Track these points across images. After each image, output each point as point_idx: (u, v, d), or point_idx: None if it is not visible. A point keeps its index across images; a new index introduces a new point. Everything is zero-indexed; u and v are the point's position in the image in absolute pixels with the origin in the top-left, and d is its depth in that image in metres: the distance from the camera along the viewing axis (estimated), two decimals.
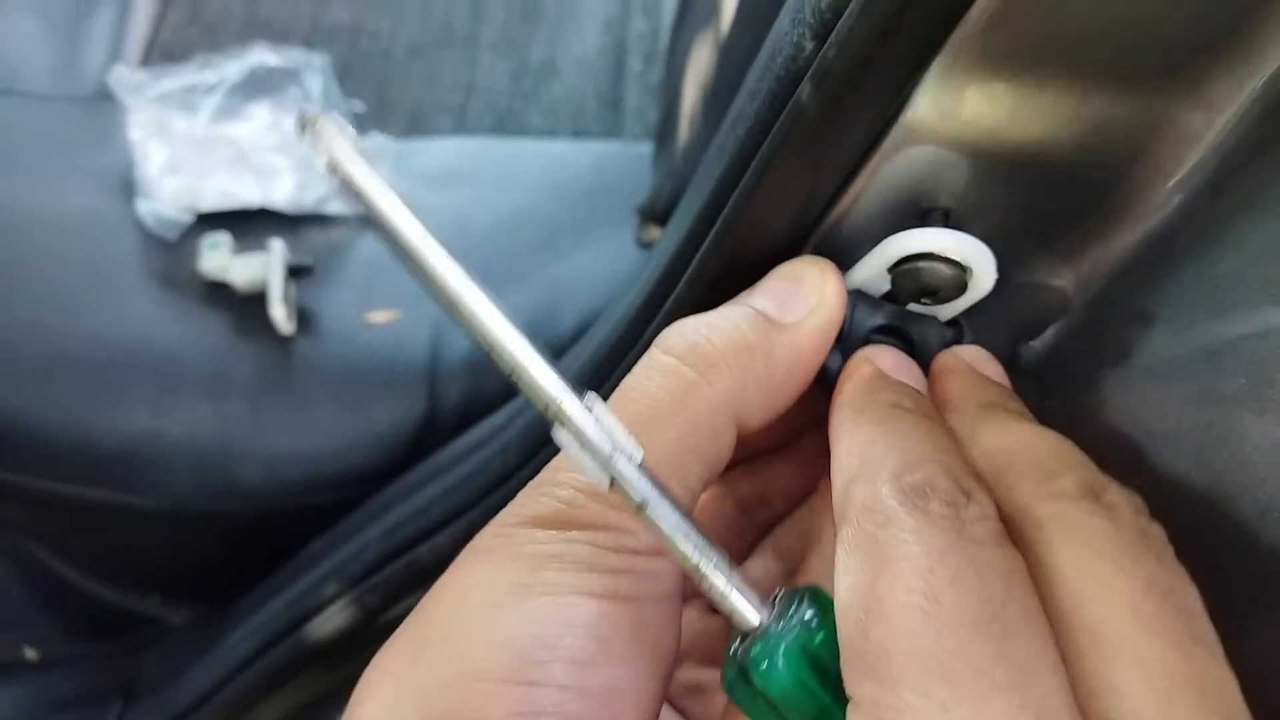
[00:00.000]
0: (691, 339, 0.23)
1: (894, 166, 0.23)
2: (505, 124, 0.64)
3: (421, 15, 0.69)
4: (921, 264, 0.24)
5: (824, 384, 0.25)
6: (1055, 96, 0.22)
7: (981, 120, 0.22)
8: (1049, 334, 0.26)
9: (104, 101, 0.59)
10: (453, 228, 0.58)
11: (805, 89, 0.21)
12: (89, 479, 0.51)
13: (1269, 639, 0.21)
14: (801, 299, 0.23)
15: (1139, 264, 0.24)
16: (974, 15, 0.20)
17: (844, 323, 0.24)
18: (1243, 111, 0.22)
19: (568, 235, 0.57)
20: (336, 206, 0.56)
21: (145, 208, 0.53)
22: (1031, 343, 0.26)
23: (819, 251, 0.25)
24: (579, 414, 0.19)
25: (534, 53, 0.68)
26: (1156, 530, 0.19)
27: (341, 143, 0.18)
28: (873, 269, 0.24)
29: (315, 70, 0.58)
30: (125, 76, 0.56)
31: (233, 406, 0.51)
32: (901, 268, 0.24)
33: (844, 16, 0.20)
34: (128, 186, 0.55)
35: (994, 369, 0.25)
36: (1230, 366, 0.22)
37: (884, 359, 0.24)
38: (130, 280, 0.53)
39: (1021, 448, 0.21)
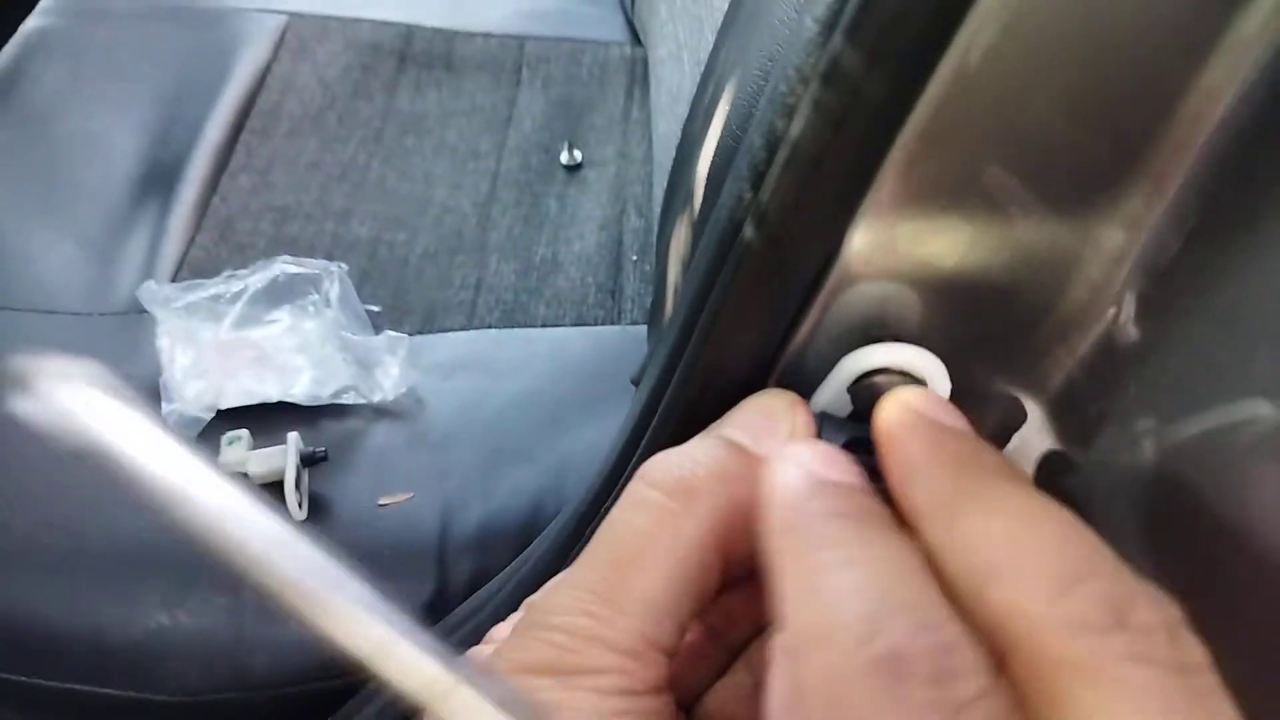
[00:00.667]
0: (674, 472, 0.23)
1: (844, 300, 0.25)
2: (513, 316, 0.67)
3: (435, 227, 0.74)
4: (877, 378, 0.25)
5: None
6: (981, 227, 0.24)
7: (915, 253, 0.24)
8: (1015, 441, 0.27)
9: (136, 316, 0.63)
10: (463, 412, 0.61)
11: (747, 230, 0.23)
12: (98, 678, 0.51)
13: None
14: (773, 430, 0.24)
15: (1094, 372, 0.25)
16: (890, 161, 0.22)
17: None
18: (1160, 226, 0.24)
19: (573, 413, 0.59)
20: (351, 397, 0.59)
21: (168, 409, 0.56)
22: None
23: (782, 382, 0.27)
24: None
25: (538, 252, 0.72)
26: (1197, 656, 0.16)
27: (71, 393, 0.14)
28: (834, 390, 0.26)
29: (333, 276, 0.63)
30: (154, 291, 0.60)
31: (245, 596, 0.52)
32: (859, 384, 0.26)
33: (772, 166, 0.23)
34: (155, 392, 0.58)
35: (952, 414, 0.23)
36: (1197, 461, 0.23)
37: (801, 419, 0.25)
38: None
39: (1019, 542, 0.18)
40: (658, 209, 0.79)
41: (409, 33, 0.87)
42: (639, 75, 0.87)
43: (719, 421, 0.25)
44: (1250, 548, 0.21)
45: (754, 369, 0.27)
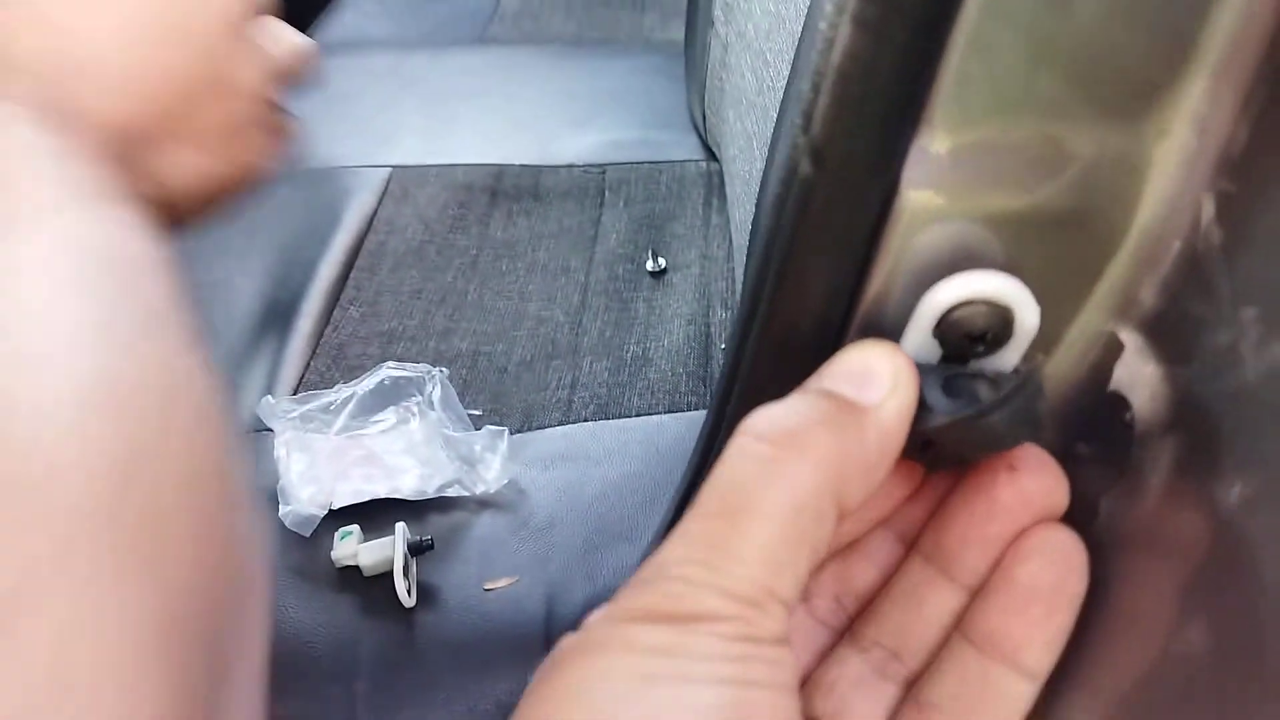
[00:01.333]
0: (781, 423, 0.23)
1: (916, 236, 0.25)
2: (607, 409, 0.68)
3: (530, 337, 0.77)
4: (960, 312, 0.25)
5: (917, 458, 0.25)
6: (1042, 144, 0.24)
7: (980, 180, 0.25)
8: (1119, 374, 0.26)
9: (258, 434, 0.66)
10: (563, 499, 0.61)
11: (804, 166, 0.24)
12: None
13: None
14: (877, 380, 0.24)
15: (1183, 285, 0.24)
16: (940, 79, 0.23)
17: None
18: (1226, 119, 0.23)
19: (671, 492, 0.59)
20: (456, 490, 0.60)
21: (284, 510, 0.58)
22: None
23: (867, 330, 0.27)
24: None
25: (629, 350, 0.74)
26: None
27: None
28: (919, 334, 0.26)
29: (434, 379, 0.65)
30: (271, 405, 0.64)
31: (359, 684, 0.52)
32: (945, 322, 0.25)
33: (819, 99, 0.24)
34: (274, 497, 0.61)
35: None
36: None
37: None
38: (272, 575, 0.57)
39: None
40: None
41: (500, 171, 0.93)
42: (716, 185, 0.91)
43: (815, 376, 0.25)
44: None
45: (833, 314, 0.27)
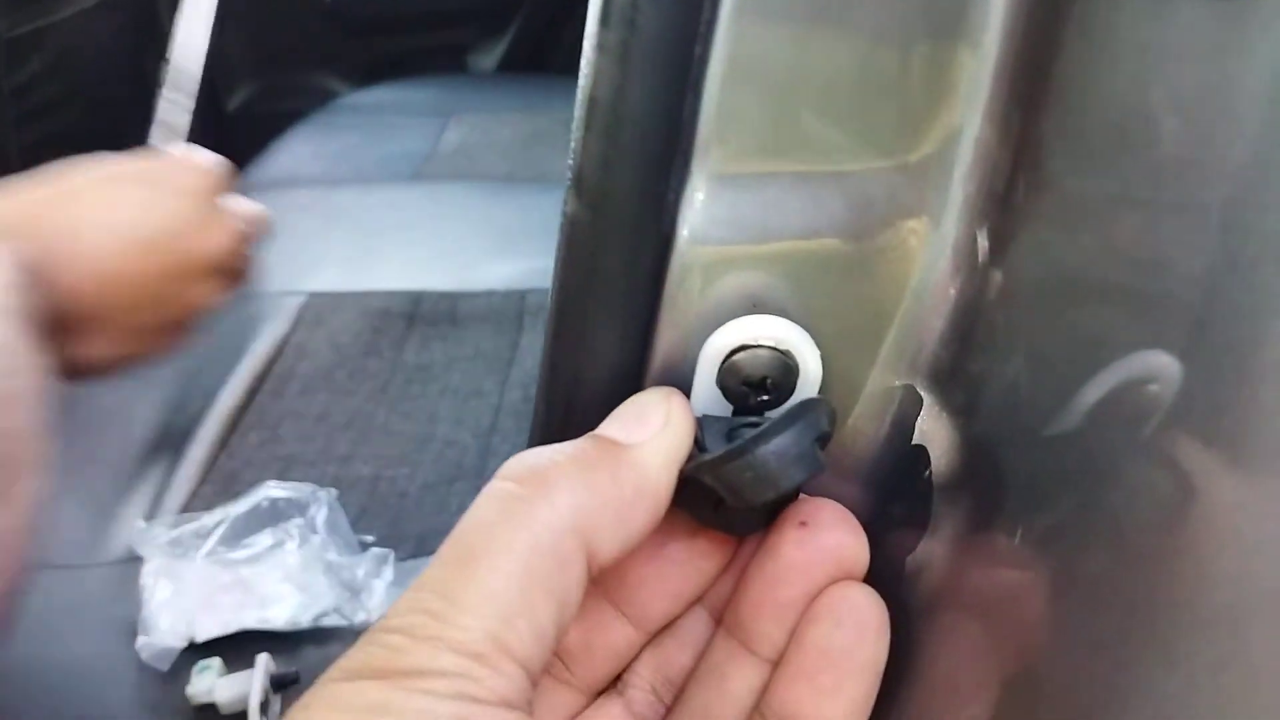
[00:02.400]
0: (529, 463, 0.21)
1: (697, 282, 0.24)
2: None
3: (435, 461, 0.74)
4: (738, 357, 0.23)
5: (709, 523, 0.23)
6: (812, 185, 0.23)
7: (756, 223, 0.23)
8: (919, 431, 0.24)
9: (132, 563, 0.62)
10: None
11: (569, 203, 0.23)
12: None
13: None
14: (646, 421, 0.22)
15: (961, 334, 0.23)
16: (703, 113, 0.22)
17: (697, 446, 0.23)
18: (990, 144, 0.22)
19: None
20: (334, 619, 0.56)
21: (142, 641, 0.54)
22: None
23: (661, 384, 0.25)
24: None
25: None
26: None
27: None
28: (705, 384, 0.24)
29: (321, 502, 0.62)
30: (143, 531, 0.60)
31: None
32: (725, 370, 0.24)
33: (581, 132, 0.23)
34: (134, 630, 0.57)
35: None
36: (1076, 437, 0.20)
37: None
38: (124, 712, 0.52)
39: None
40: None
41: (418, 297, 0.92)
42: None
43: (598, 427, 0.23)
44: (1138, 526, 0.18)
45: (621, 366, 0.25)
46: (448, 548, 0.20)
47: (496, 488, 0.21)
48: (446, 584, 0.19)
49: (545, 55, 1.60)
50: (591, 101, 0.22)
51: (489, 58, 1.60)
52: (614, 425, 0.22)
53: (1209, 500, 0.16)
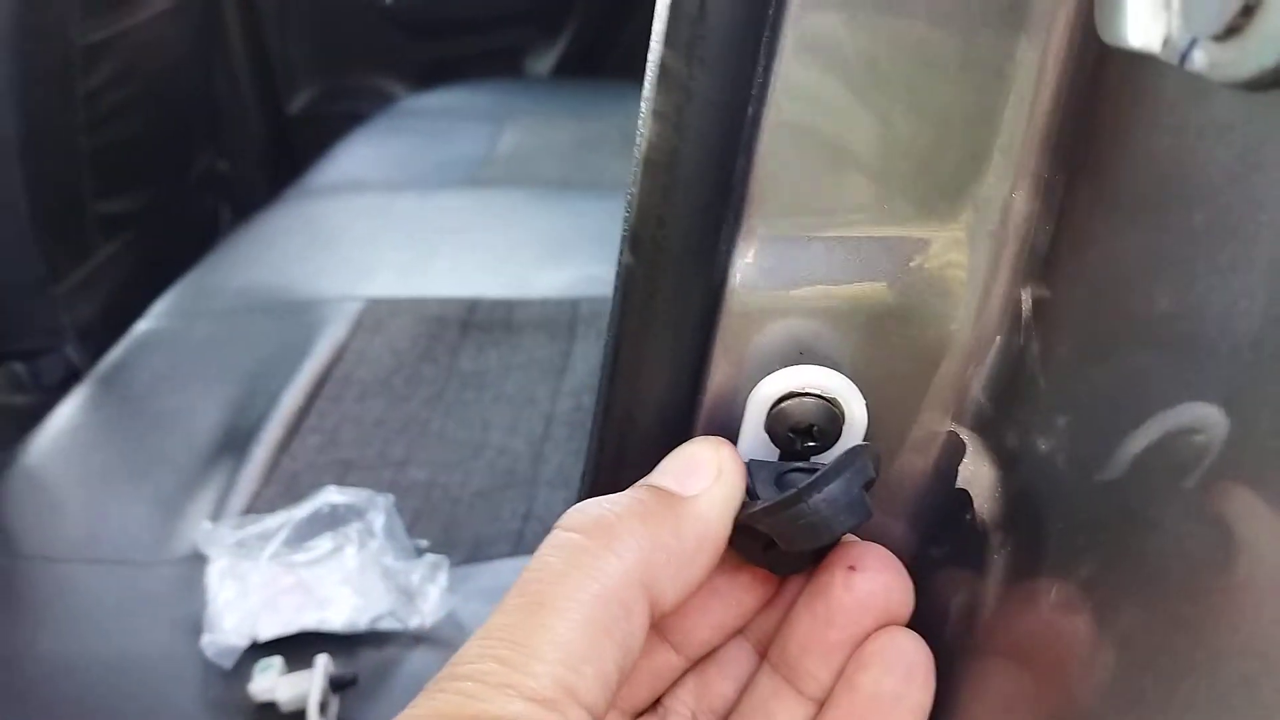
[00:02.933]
0: (592, 512, 0.22)
1: (749, 333, 0.25)
2: None
3: (488, 468, 0.76)
4: (785, 405, 0.24)
5: (754, 561, 0.24)
6: (856, 244, 0.24)
7: (806, 277, 0.24)
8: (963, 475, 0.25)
9: (198, 560, 0.65)
10: None
11: (624, 255, 0.24)
12: None
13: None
14: (700, 472, 0.23)
15: (1004, 388, 0.24)
16: (754, 172, 0.23)
17: (747, 493, 0.24)
18: (1031, 211, 0.23)
19: None
20: (389, 623, 0.58)
21: (207, 639, 0.56)
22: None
23: (709, 429, 0.26)
24: None
25: None
26: None
27: None
28: (753, 430, 0.25)
29: (379, 508, 0.64)
30: (209, 532, 0.63)
31: None
32: (773, 417, 0.25)
33: (635, 189, 0.24)
34: (199, 627, 0.59)
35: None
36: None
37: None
38: (184, 709, 0.55)
39: None
40: None
41: (473, 304, 0.94)
42: None
43: (647, 476, 0.24)
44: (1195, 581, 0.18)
45: (675, 409, 0.26)
46: (514, 596, 0.21)
47: (562, 538, 0.21)
48: (515, 631, 0.20)
49: (600, 59, 1.61)
50: (647, 163, 0.23)
51: (544, 61, 1.62)
52: (668, 477, 0.23)
53: (1253, 554, 0.16)
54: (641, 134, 0.23)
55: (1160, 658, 0.18)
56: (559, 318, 0.93)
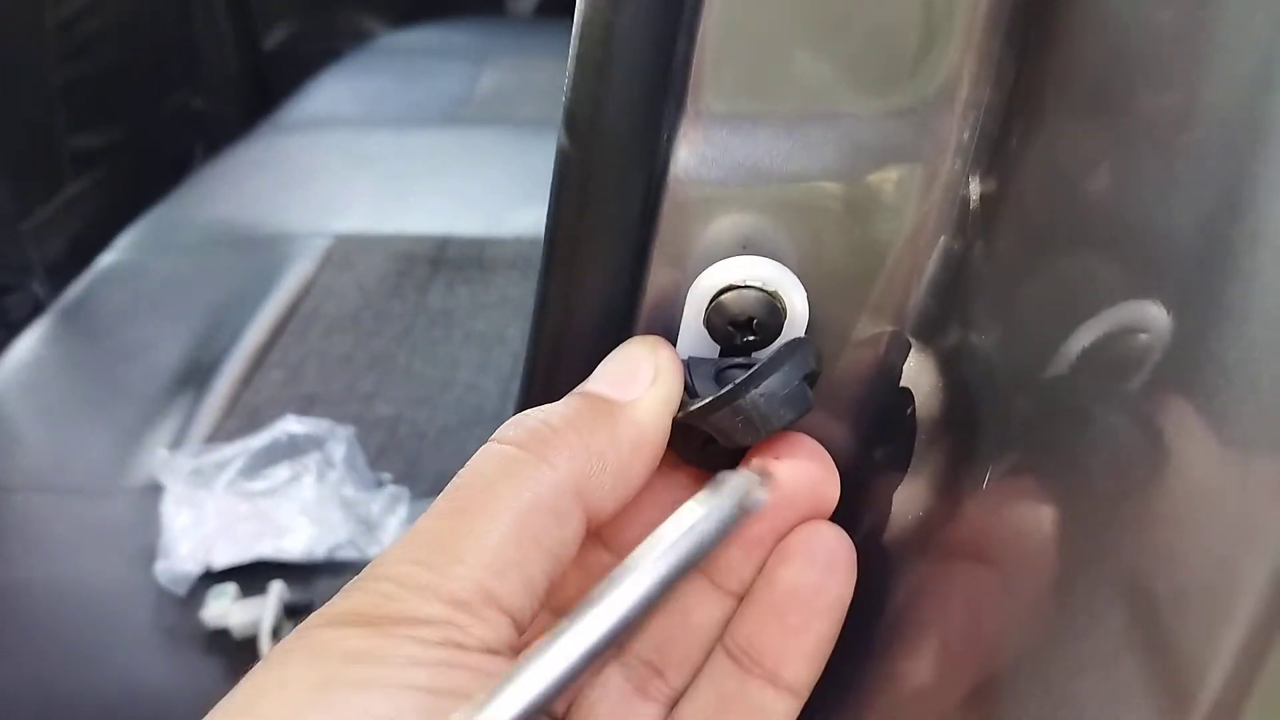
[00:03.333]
0: (528, 425, 0.22)
1: (691, 224, 0.24)
2: None
3: (456, 405, 0.75)
4: (724, 298, 0.23)
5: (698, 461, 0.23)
6: (805, 128, 0.23)
7: (746, 164, 0.23)
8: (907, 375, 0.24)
9: (155, 490, 0.64)
10: None
11: (561, 138, 0.23)
12: None
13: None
14: (636, 376, 0.23)
15: (944, 286, 0.23)
16: (698, 51, 0.22)
17: (686, 390, 0.23)
18: (986, 97, 0.22)
19: None
20: (348, 552, 0.57)
21: (161, 565, 0.55)
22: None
23: (650, 329, 0.25)
24: None
25: None
26: None
27: None
28: (693, 326, 0.24)
29: (339, 439, 0.63)
30: (166, 460, 0.62)
31: None
32: (712, 311, 0.24)
33: (574, 69, 0.22)
34: (153, 554, 0.58)
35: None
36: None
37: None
38: (137, 635, 0.54)
39: None
40: None
41: (444, 242, 0.92)
42: None
43: (585, 381, 0.24)
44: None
45: (611, 303, 0.25)
46: (443, 501, 0.20)
47: (495, 450, 0.21)
48: (439, 536, 0.20)
49: None
50: (583, 38, 0.22)
51: (527, 0, 1.59)
52: (604, 382, 0.23)
53: (1181, 462, 0.16)
54: (579, 8, 0.22)
55: (1085, 559, 0.17)
56: (534, 257, 0.91)
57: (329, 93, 1.24)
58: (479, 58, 1.30)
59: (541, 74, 1.27)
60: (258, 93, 1.47)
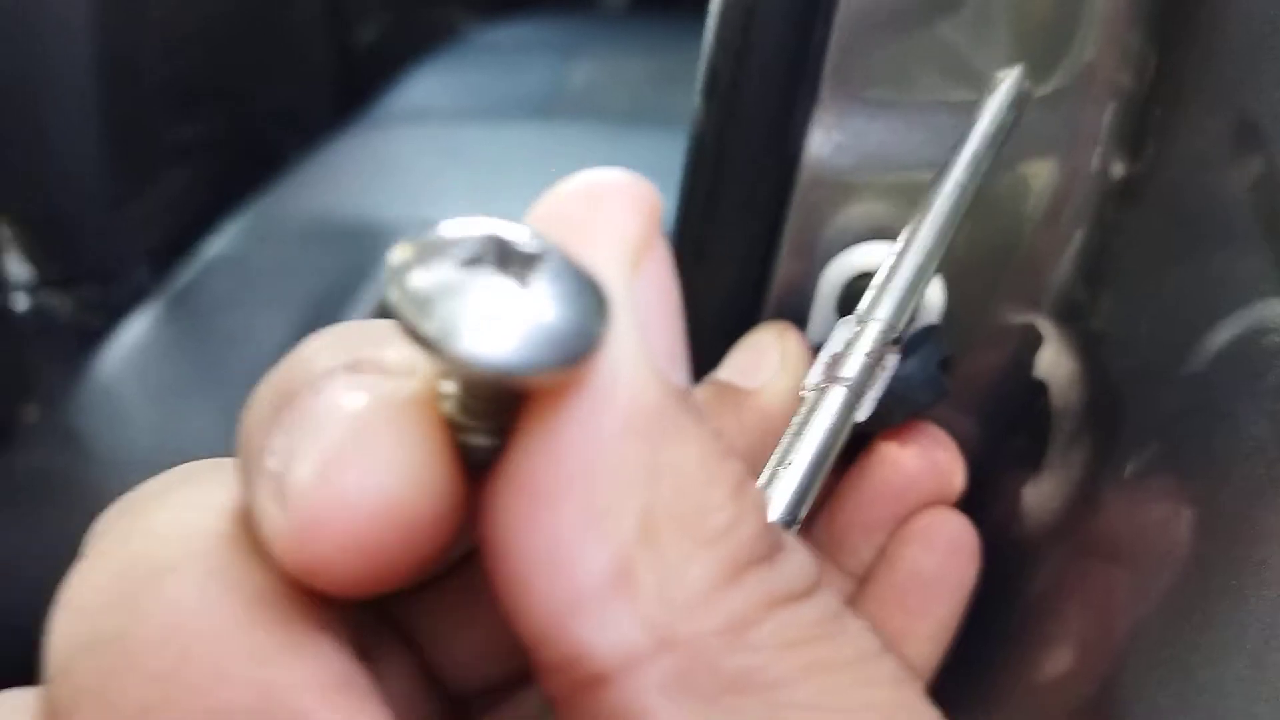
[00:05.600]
0: None
1: (827, 218, 0.24)
2: None
3: None
4: (858, 285, 0.23)
5: None
6: (936, 115, 0.22)
7: (882, 154, 0.23)
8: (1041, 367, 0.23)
9: None
10: None
11: (698, 103, 0.23)
12: None
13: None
14: (764, 363, 0.23)
15: (1091, 271, 0.22)
16: (833, 42, 0.22)
17: None
18: (1125, 83, 0.21)
19: None
20: None
21: None
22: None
23: (779, 315, 0.25)
24: None
25: None
26: None
27: None
28: (824, 313, 0.24)
29: None
30: None
31: None
32: (846, 299, 0.23)
33: (711, 59, 0.22)
34: None
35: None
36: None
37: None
38: None
39: None
40: None
41: None
42: None
43: (715, 370, 0.24)
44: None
45: (740, 289, 0.25)
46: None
47: None
48: None
49: None
50: (722, 23, 0.21)
51: None
52: (733, 370, 0.23)
53: None
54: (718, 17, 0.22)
55: (1222, 557, 0.17)
56: None
57: (421, 87, 1.25)
58: (570, 51, 1.31)
59: (634, 67, 1.27)
60: (349, 88, 1.50)
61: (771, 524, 0.13)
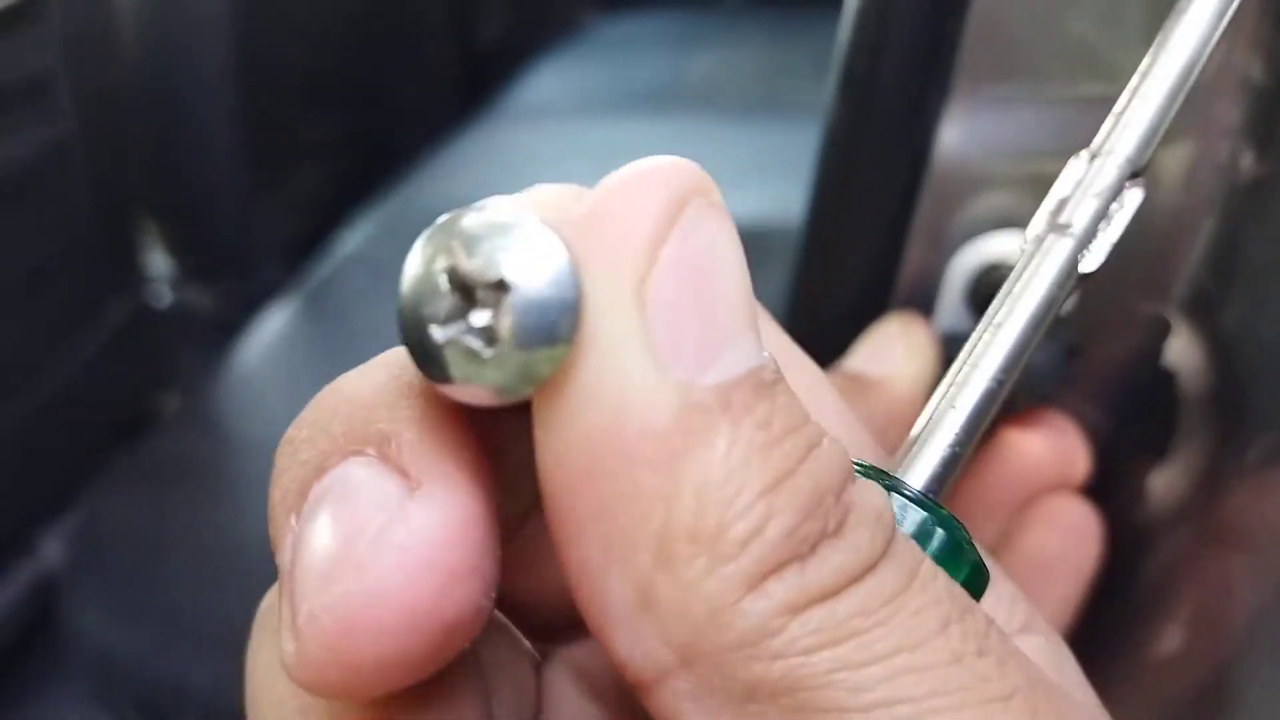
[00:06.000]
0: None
1: (956, 207, 0.24)
2: None
3: None
4: (989, 277, 0.23)
5: None
6: (1068, 108, 0.22)
7: (1013, 144, 0.23)
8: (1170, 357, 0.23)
9: None
10: None
11: (832, 95, 0.23)
12: None
13: None
14: (891, 353, 0.23)
15: (1222, 262, 0.22)
16: (967, 33, 0.22)
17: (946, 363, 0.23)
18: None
19: None
20: None
21: None
22: None
23: (907, 304, 0.25)
24: None
25: None
26: None
27: None
28: (952, 302, 0.24)
29: None
30: None
31: None
32: (976, 290, 0.24)
33: (849, 46, 0.23)
34: None
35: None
36: None
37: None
38: None
39: None
40: None
41: None
42: None
43: (843, 359, 0.24)
44: None
45: (869, 289, 0.25)
46: None
47: None
48: None
49: None
50: (860, 17, 0.22)
51: None
52: (859, 358, 0.23)
53: None
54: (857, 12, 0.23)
55: None
56: (746, 243, 0.92)
57: (541, 82, 1.28)
58: (688, 45, 1.32)
59: (749, 61, 1.27)
60: (472, 86, 1.54)
61: (842, 495, 0.13)
